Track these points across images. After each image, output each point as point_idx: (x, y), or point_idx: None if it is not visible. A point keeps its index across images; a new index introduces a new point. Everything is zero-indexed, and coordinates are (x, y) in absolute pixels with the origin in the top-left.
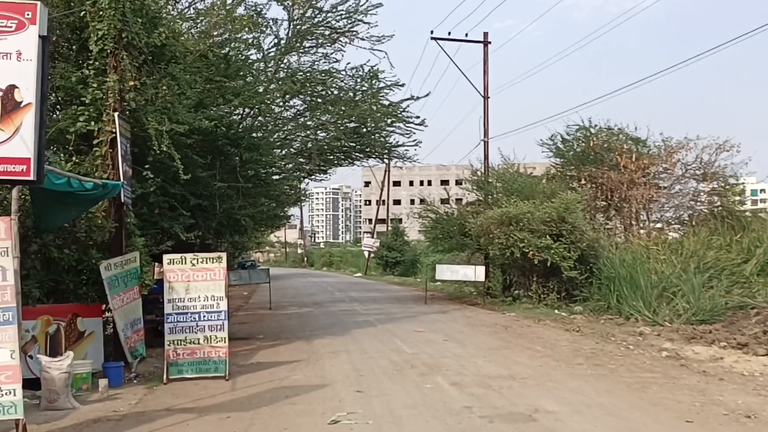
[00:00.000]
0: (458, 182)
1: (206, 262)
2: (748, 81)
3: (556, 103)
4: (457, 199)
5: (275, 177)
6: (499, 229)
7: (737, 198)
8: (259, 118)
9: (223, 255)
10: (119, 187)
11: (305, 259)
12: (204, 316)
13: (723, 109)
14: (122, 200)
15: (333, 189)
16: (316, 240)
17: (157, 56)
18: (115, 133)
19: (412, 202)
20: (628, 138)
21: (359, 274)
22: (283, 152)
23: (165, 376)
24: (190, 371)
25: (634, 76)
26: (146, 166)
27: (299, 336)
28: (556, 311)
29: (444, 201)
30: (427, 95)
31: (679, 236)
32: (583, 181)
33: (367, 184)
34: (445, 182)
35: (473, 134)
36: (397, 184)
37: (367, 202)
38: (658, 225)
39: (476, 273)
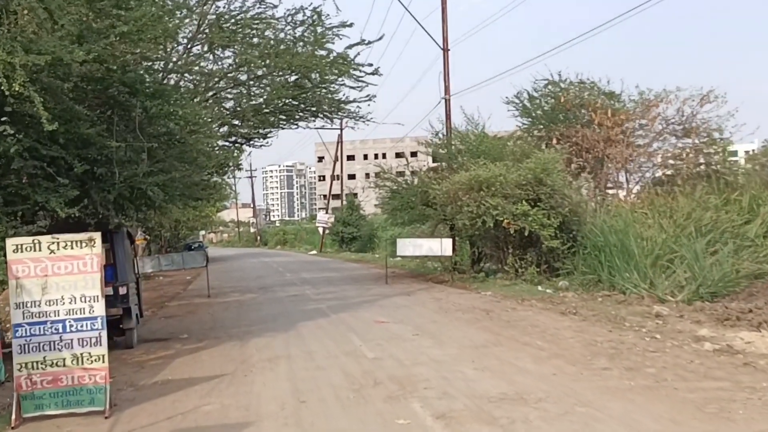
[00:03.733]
0: (413, 154)
1: (72, 248)
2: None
3: (523, 54)
4: (412, 172)
5: (194, 137)
6: (468, 196)
7: (721, 154)
8: (175, 63)
9: (97, 236)
10: None
11: (258, 238)
12: (71, 326)
13: (707, 57)
14: None
15: (287, 166)
16: (272, 218)
17: None
18: None
19: (368, 176)
20: (600, 93)
21: (314, 252)
22: (214, 111)
23: (14, 416)
24: (53, 406)
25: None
26: (2, 119)
27: (233, 334)
28: (539, 288)
29: (400, 174)
30: (380, 38)
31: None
32: (554, 141)
33: (320, 159)
34: (400, 155)
35: (432, 96)
36: (351, 158)
37: (321, 178)
38: (638, 186)
39: (442, 246)
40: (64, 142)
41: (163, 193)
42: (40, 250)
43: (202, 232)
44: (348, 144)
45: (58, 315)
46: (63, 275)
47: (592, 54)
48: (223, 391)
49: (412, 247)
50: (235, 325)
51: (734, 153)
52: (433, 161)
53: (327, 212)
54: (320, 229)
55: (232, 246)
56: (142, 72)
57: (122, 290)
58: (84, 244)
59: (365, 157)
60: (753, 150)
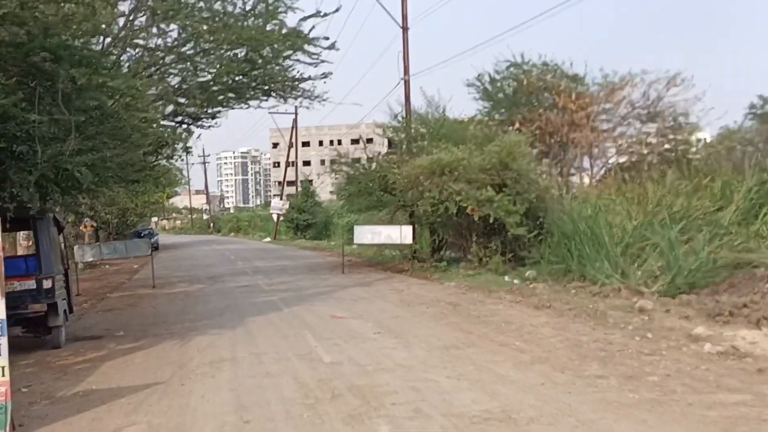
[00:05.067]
0: (369, 140)
1: None
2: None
3: (485, 34)
4: (369, 158)
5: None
6: (430, 181)
7: (689, 138)
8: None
9: None
10: None
11: (212, 225)
12: None
13: (675, 42)
14: None
15: (241, 153)
16: (226, 205)
17: None
18: None
19: (323, 162)
20: (564, 75)
21: (268, 239)
22: (158, 89)
23: None
24: None
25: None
26: None
27: (174, 331)
28: (506, 278)
29: (356, 160)
30: (337, 9)
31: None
32: (517, 125)
33: (275, 145)
34: (355, 141)
35: (390, 78)
36: (306, 144)
37: (276, 164)
38: (603, 172)
39: (402, 234)
40: None
41: (92, 174)
42: None
43: (154, 219)
44: (303, 130)
45: None
46: None
47: (555, 35)
48: (153, 405)
49: (370, 234)
50: (178, 320)
51: (701, 140)
52: (389, 147)
53: (282, 199)
54: (275, 216)
55: (184, 233)
56: (67, 37)
57: (47, 283)
58: None
59: (320, 143)
60: (705, 138)
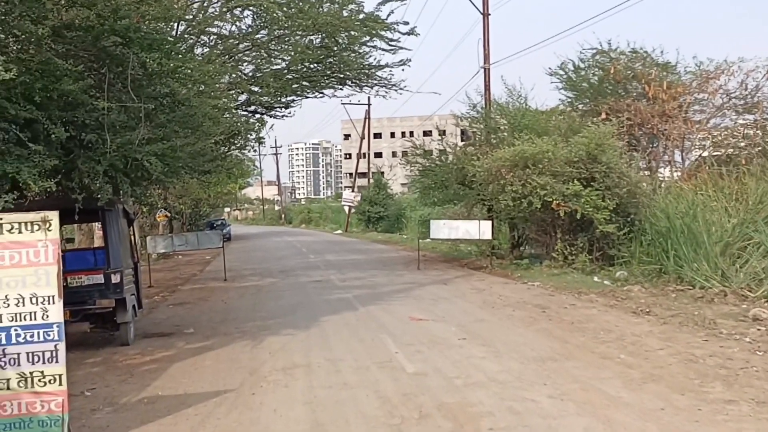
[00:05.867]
0: (441, 132)
1: (20, 231)
2: None
3: (570, 20)
4: (440, 150)
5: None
6: (512, 174)
7: None
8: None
9: (52, 216)
10: None
11: (283, 216)
12: (18, 337)
13: None
14: None
15: (313, 144)
16: (297, 196)
17: None
18: None
19: (394, 154)
20: (654, 63)
21: (339, 231)
22: (231, 77)
23: None
24: None
25: None
26: None
27: (245, 329)
28: (595, 279)
29: (428, 153)
30: None
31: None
32: (603, 116)
33: (346, 137)
34: (428, 133)
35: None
36: (377, 136)
37: (347, 156)
38: (694, 166)
39: (481, 229)
40: (41, 101)
41: (162, 164)
42: None
43: (227, 210)
44: (375, 121)
45: (0, 321)
46: (7, 268)
47: (645, 21)
48: (221, 419)
49: (447, 229)
50: (249, 317)
51: None
52: (462, 139)
53: (353, 191)
54: (346, 208)
55: (256, 224)
56: (137, 21)
57: (115, 278)
58: (36, 227)
59: (392, 135)
60: None
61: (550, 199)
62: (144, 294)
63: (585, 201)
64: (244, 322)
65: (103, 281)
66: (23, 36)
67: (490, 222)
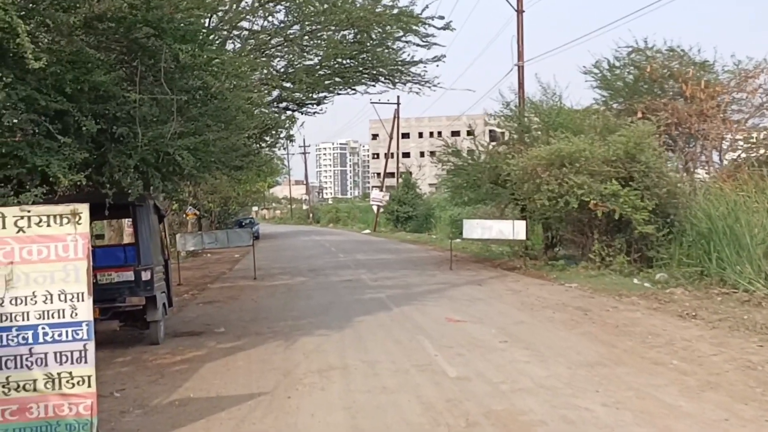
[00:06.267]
0: (469, 132)
1: (48, 224)
2: None
3: (605, 18)
4: (469, 150)
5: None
6: (548, 173)
7: None
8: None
9: (82, 209)
10: None
11: (311, 215)
12: (45, 335)
13: None
14: None
15: (340, 144)
16: (325, 196)
17: None
18: None
19: (422, 154)
20: (691, 62)
21: (367, 231)
22: (264, 72)
23: None
24: None
25: None
26: None
27: (277, 329)
28: (635, 280)
29: (457, 152)
30: None
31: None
32: (639, 115)
33: (374, 137)
34: (456, 133)
35: (501, 65)
36: (405, 136)
37: (375, 156)
38: (733, 167)
39: (515, 229)
40: (71, 93)
41: (194, 159)
42: (3, 227)
43: (255, 208)
44: (403, 122)
45: (28, 319)
46: (35, 263)
47: (681, 20)
48: (256, 423)
49: (480, 229)
50: (280, 316)
51: None
52: (491, 139)
53: (382, 190)
54: (374, 208)
55: (284, 223)
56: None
57: (145, 275)
58: (65, 220)
59: (420, 135)
60: None
61: (587, 199)
62: (173, 292)
63: (623, 201)
64: (275, 322)
65: (133, 278)
66: (54, 26)
67: (524, 222)
